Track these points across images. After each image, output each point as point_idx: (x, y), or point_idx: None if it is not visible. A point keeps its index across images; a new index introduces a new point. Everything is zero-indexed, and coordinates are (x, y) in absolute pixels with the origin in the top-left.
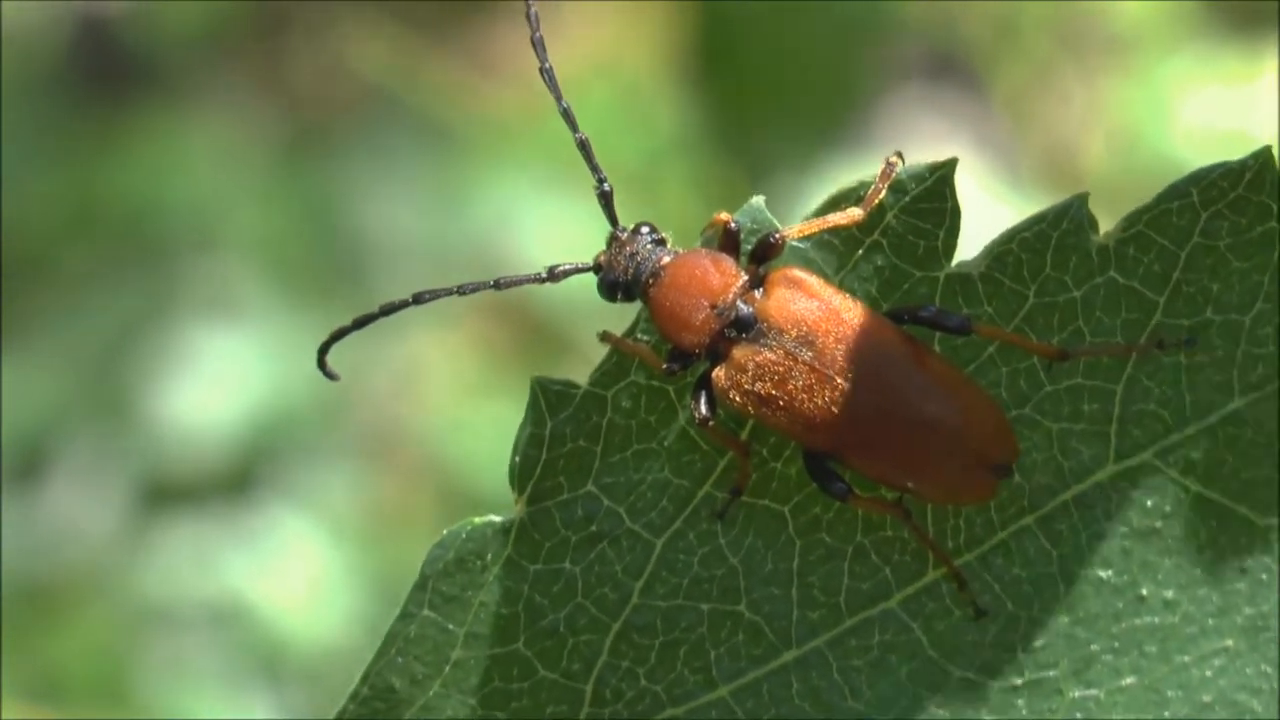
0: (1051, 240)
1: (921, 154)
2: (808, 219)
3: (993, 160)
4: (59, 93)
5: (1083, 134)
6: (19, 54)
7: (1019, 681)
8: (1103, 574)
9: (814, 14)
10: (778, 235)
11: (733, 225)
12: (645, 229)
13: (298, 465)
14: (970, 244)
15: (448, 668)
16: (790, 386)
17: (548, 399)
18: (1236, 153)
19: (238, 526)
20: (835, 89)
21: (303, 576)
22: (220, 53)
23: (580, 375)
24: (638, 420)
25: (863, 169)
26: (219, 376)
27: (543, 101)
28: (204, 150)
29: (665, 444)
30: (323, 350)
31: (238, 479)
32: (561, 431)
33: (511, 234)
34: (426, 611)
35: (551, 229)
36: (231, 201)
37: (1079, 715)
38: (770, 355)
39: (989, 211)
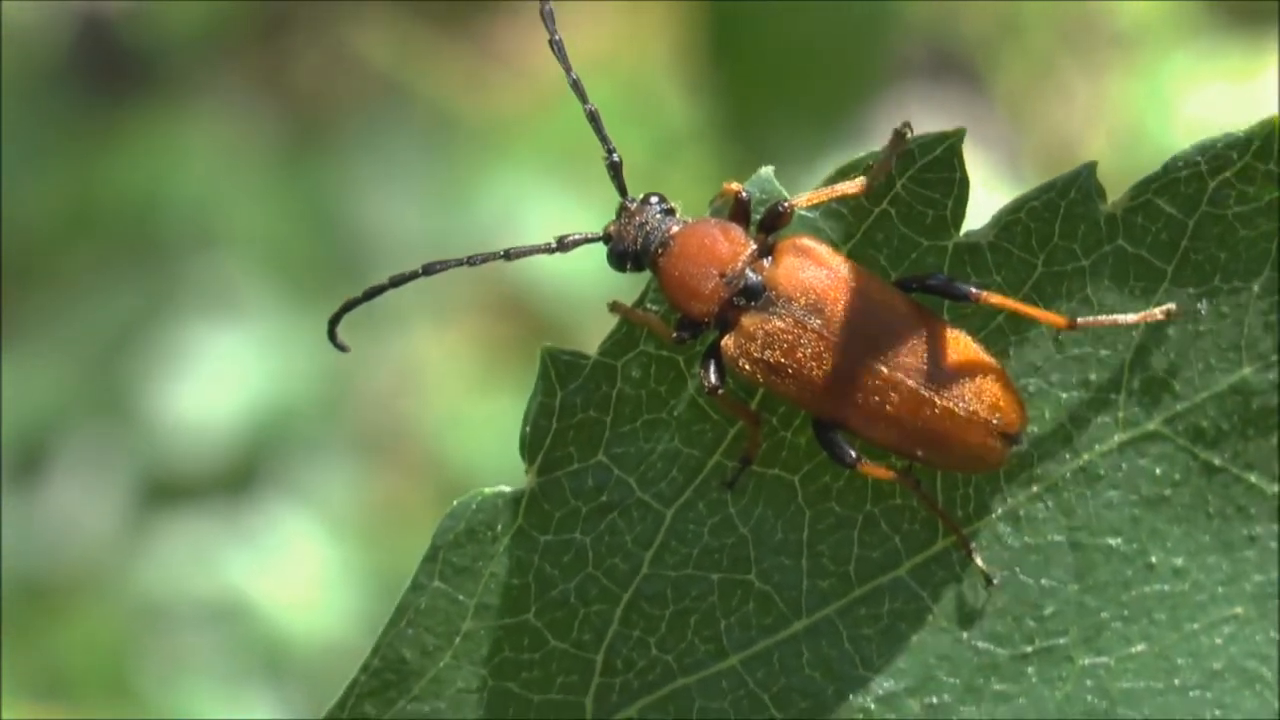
0: (1060, 209)
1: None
2: (817, 188)
3: (994, 158)
4: (59, 92)
5: (1085, 131)
6: (19, 53)
7: (1029, 649)
8: (1112, 542)
9: (820, 10)
10: (786, 204)
11: (743, 195)
12: (654, 199)
13: (298, 462)
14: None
15: (458, 639)
16: (799, 354)
17: (557, 369)
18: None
19: (238, 524)
20: (840, 85)
21: (303, 574)
22: (221, 51)
23: None
24: (647, 390)
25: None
26: (219, 374)
27: (546, 96)
28: (204, 148)
29: (675, 413)
30: (333, 322)
31: (238, 476)
32: (571, 402)
33: (515, 231)
34: (437, 583)
35: (556, 226)
36: (232, 199)
37: (1089, 683)
38: (779, 323)
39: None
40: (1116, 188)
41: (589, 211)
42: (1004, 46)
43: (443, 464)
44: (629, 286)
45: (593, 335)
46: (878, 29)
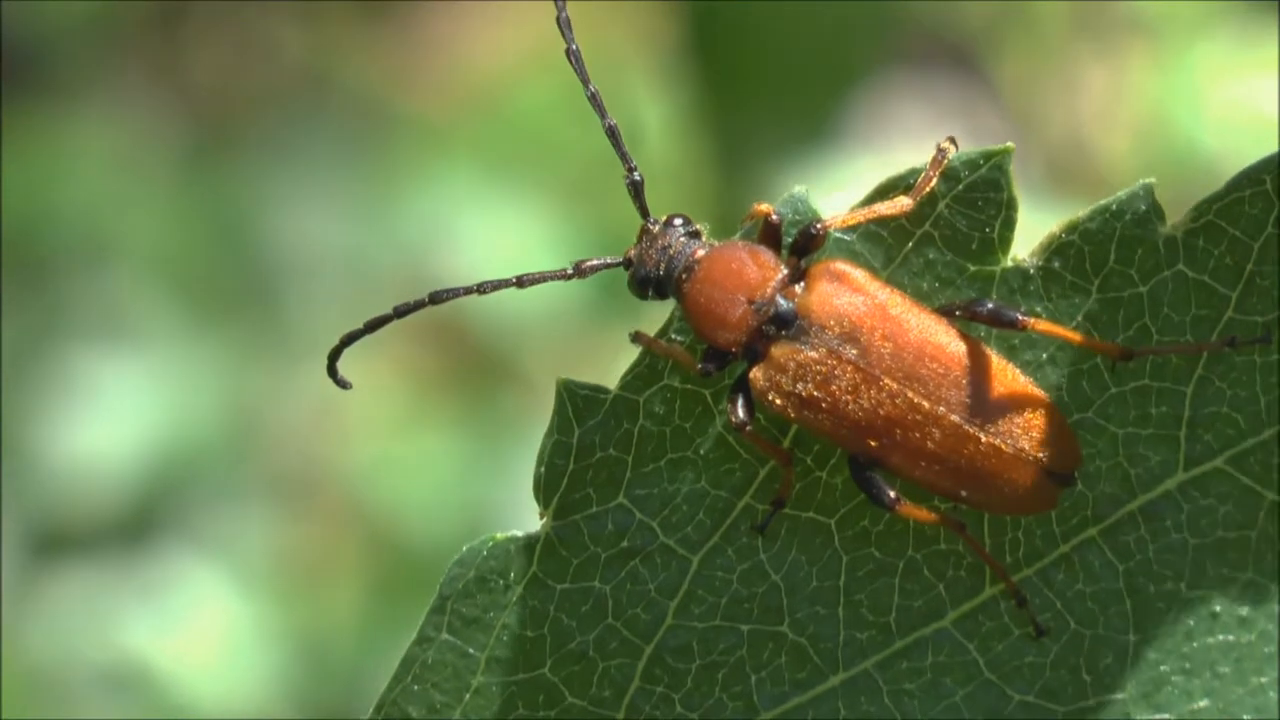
0: (1116, 231)
1: (904, 146)
2: (854, 208)
3: None
4: None
5: (1100, 127)
6: None
7: (1083, 705)
8: (1172, 589)
9: (802, 4)
10: (820, 226)
11: (774, 217)
12: (678, 220)
13: (203, 508)
14: None
15: (468, 695)
16: (834, 388)
17: (575, 404)
18: (1275, 147)
19: (136, 578)
20: (822, 75)
21: (210, 634)
22: (112, 42)
23: (519, 402)
24: (671, 427)
25: (839, 161)
26: (113, 408)
27: (483, 92)
28: (94, 152)
29: (701, 452)
30: (332, 358)
31: (135, 524)
32: (590, 440)
33: (445, 243)
34: (445, 635)
35: (491, 236)
36: (126, 209)
37: None
38: (812, 354)
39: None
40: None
41: (530, 220)
42: (1007, 32)
43: (368, 510)
44: (584, 310)
45: (532, 366)
46: (863, 15)
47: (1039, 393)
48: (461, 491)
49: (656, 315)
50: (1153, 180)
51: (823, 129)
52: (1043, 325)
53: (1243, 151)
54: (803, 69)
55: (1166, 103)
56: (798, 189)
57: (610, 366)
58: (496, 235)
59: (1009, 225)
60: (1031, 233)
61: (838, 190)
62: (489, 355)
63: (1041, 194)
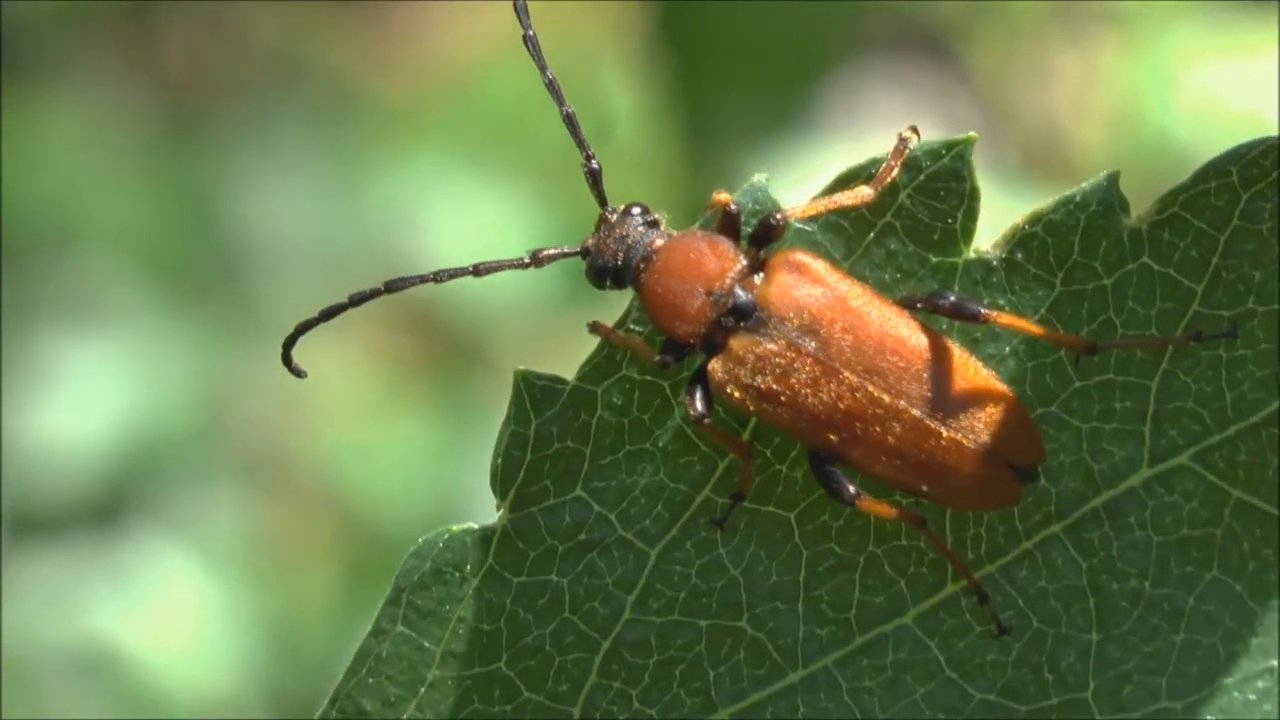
0: (1080, 223)
1: (878, 133)
2: (815, 198)
3: None
4: None
5: (1073, 115)
6: None
7: (1045, 704)
8: (1136, 587)
9: None
10: (779, 216)
11: (732, 207)
12: (636, 210)
13: (174, 492)
14: None
15: (423, 689)
16: (793, 380)
17: (532, 395)
18: (1248, 135)
19: (106, 561)
20: (792, 61)
21: (181, 618)
22: (82, 23)
23: (492, 389)
24: (630, 418)
25: (811, 151)
26: (82, 392)
27: (454, 77)
28: (64, 136)
29: (660, 444)
30: (287, 346)
31: (106, 507)
32: (547, 431)
33: (416, 227)
34: (400, 628)
35: (462, 221)
36: (96, 193)
37: None
38: (771, 346)
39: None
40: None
41: (502, 205)
42: (980, 18)
43: (340, 495)
44: (550, 293)
45: (507, 350)
46: (835, 11)
47: (1001, 387)
48: (434, 477)
49: (623, 304)
50: (1117, 171)
51: (795, 115)
52: (1005, 318)
53: (1214, 139)
54: (774, 56)
55: (1138, 91)
56: (757, 178)
57: (582, 354)
58: (468, 220)
59: (971, 216)
60: (1006, 219)
61: (811, 176)
62: (462, 341)
63: (1016, 180)
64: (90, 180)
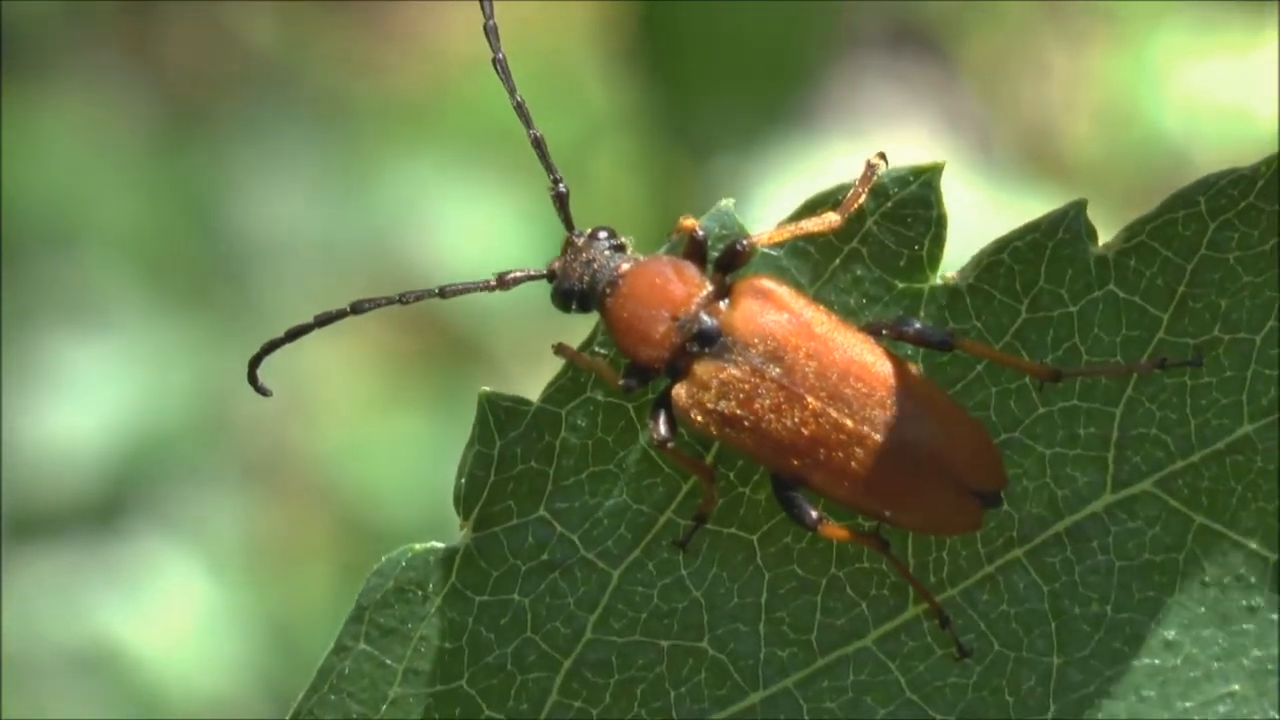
0: (1046, 250)
1: (878, 130)
2: (781, 224)
3: (963, 142)
4: None
5: (1065, 110)
6: None
7: None
8: (1098, 611)
9: None
10: (746, 242)
11: (699, 233)
12: (603, 234)
13: (174, 492)
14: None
15: (385, 706)
16: (756, 406)
17: (496, 416)
18: (1238, 132)
19: (106, 561)
20: (783, 61)
21: (181, 618)
22: (82, 23)
23: (492, 387)
24: (594, 440)
25: (811, 148)
26: (82, 391)
27: (449, 79)
28: (64, 134)
29: (624, 466)
30: (253, 364)
31: (106, 507)
32: (511, 452)
33: (416, 226)
34: (362, 645)
35: (460, 220)
36: (95, 192)
37: None
38: (735, 372)
39: (959, 199)
40: (1100, 173)
41: (499, 204)
42: (974, 14)
43: (340, 494)
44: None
45: (505, 351)
46: (824, 5)
47: (965, 413)
48: (433, 476)
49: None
50: (1084, 200)
51: (792, 112)
52: (972, 346)
53: (1204, 134)
54: (765, 53)
55: (1130, 87)
56: (724, 202)
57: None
58: (466, 219)
59: (938, 243)
60: (999, 212)
61: (811, 175)
62: (462, 339)
63: (1011, 176)
64: (90, 180)
